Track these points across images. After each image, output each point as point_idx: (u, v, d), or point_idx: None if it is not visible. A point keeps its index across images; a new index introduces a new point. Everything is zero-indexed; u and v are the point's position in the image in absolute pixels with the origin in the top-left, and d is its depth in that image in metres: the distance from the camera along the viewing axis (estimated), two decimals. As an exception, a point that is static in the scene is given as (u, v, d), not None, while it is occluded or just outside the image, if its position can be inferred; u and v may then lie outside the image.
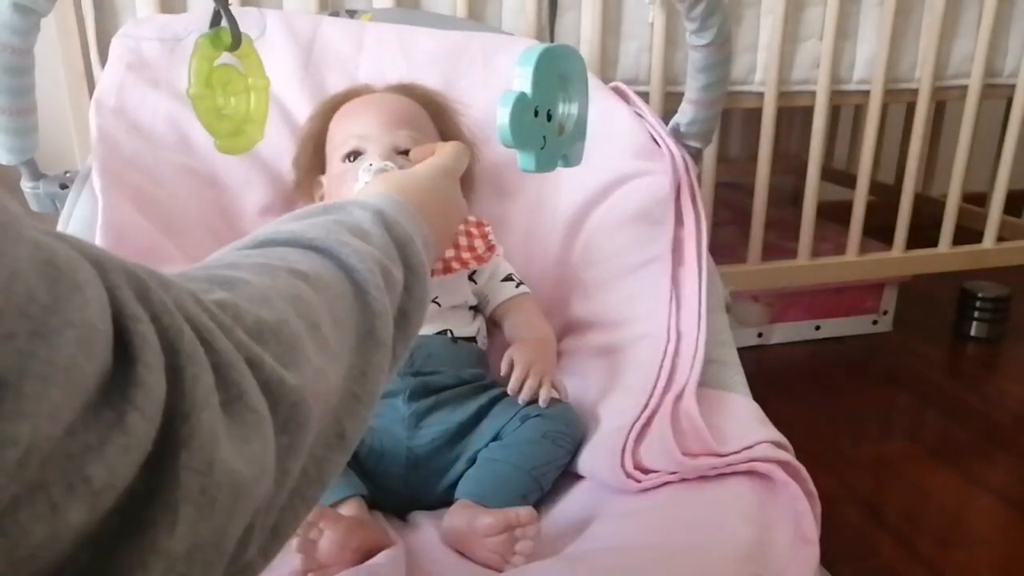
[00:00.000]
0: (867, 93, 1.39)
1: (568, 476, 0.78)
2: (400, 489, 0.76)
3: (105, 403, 0.24)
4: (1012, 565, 1.02)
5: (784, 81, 1.34)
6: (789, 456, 0.70)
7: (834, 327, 1.67)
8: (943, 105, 1.77)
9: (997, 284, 1.68)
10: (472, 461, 0.76)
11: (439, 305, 0.84)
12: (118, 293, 0.25)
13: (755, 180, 1.39)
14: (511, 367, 0.80)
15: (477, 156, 0.93)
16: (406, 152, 0.84)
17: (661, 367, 0.80)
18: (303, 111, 0.99)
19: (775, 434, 0.73)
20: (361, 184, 0.80)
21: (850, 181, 1.52)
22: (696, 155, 0.97)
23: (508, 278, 0.91)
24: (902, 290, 1.69)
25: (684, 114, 0.94)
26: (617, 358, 0.86)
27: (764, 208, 1.40)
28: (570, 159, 0.65)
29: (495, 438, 0.76)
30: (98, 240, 0.82)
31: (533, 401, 0.78)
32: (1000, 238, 1.55)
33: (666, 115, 1.04)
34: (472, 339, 0.86)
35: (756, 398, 0.81)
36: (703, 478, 0.70)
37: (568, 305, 0.95)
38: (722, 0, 0.83)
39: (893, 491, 1.18)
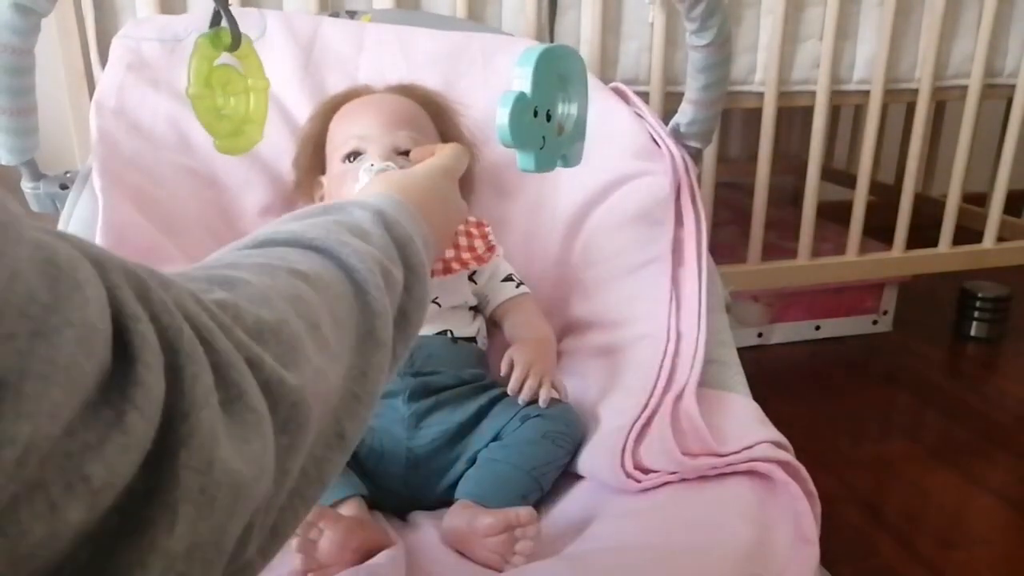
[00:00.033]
0: (867, 93, 1.39)
1: (568, 476, 0.78)
2: (400, 489, 0.76)
3: (104, 402, 0.24)
4: (1012, 565, 1.02)
5: (784, 81, 1.34)
6: (789, 456, 0.70)
7: (834, 327, 1.67)
8: (943, 105, 1.77)
9: (997, 284, 1.68)
10: (472, 461, 0.76)
11: (439, 305, 0.84)
12: (118, 292, 0.25)
13: (755, 180, 1.39)
14: (511, 367, 0.80)
15: (477, 156, 0.93)
16: (406, 153, 0.84)
17: (661, 367, 0.80)
18: (303, 112, 0.99)
19: (775, 434, 0.73)
20: (361, 184, 0.80)
21: (850, 181, 1.52)
22: (696, 155, 0.97)
23: (508, 278, 0.91)
24: (902, 290, 1.69)
25: (684, 114, 0.94)
26: (617, 358, 0.86)
27: (764, 208, 1.40)
28: (569, 159, 0.65)
29: (495, 438, 0.76)
30: (98, 240, 0.82)
31: (533, 401, 0.78)
32: (1000, 238, 1.55)
33: (666, 115, 1.05)
34: (472, 339, 0.86)
35: (756, 398, 0.81)
36: (703, 478, 0.70)
37: (568, 305, 0.95)
38: (722, 0, 0.83)
39: (893, 491, 1.17)
